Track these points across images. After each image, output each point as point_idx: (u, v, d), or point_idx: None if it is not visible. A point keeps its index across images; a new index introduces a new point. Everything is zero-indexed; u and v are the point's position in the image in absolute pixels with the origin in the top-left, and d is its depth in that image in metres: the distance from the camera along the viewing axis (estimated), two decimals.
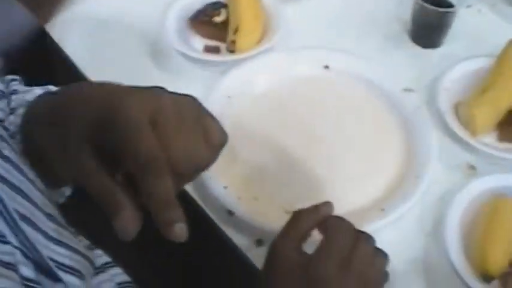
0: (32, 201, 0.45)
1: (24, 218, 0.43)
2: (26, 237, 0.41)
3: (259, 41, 0.94)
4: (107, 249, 0.55)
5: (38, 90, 0.56)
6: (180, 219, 0.38)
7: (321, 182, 0.78)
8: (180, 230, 0.38)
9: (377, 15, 1.00)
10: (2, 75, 0.59)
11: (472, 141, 0.80)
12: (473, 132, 0.80)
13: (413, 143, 0.80)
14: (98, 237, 0.54)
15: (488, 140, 0.82)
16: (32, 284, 0.40)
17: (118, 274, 0.54)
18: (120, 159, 0.41)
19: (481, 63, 0.88)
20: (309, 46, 0.94)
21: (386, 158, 0.80)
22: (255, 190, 0.77)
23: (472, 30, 0.97)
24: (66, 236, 0.48)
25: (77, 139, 0.42)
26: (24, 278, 0.39)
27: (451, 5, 0.92)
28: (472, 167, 0.80)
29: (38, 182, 0.48)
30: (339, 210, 0.62)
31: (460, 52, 0.93)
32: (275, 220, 0.64)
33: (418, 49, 0.95)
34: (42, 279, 0.42)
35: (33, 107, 0.52)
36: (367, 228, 0.63)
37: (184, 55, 0.92)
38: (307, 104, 0.88)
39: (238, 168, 0.79)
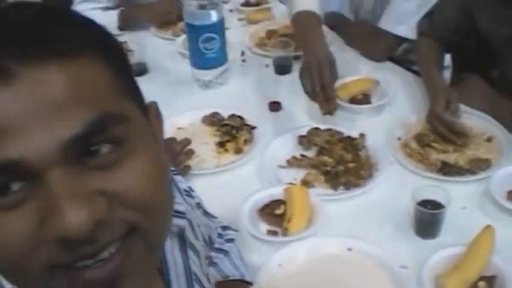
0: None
1: None
2: None
3: (306, 227, 1.35)
4: None
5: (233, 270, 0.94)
6: None
7: None
8: None
9: (393, 211, 1.39)
10: None
11: None
12: None
13: None
14: None
15: None
16: None
17: None
18: None
19: (460, 249, 1.23)
20: (339, 234, 1.34)
21: None
22: None
23: (463, 225, 1.33)
24: None
25: None
26: None
27: (443, 206, 1.30)
28: None
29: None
30: None
31: (450, 241, 1.29)
32: None
33: (418, 239, 1.32)
34: None
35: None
36: None
37: (252, 235, 1.34)
38: (334, 274, 1.25)
39: None
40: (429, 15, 1.85)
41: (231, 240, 0.98)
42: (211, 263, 0.90)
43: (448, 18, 1.76)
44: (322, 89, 1.55)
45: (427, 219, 1.31)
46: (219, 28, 1.90)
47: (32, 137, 0.46)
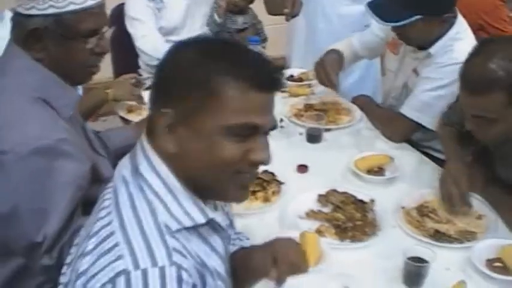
0: None
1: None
2: None
3: (313, 266, 1.62)
4: None
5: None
6: None
7: None
8: None
9: (388, 264, 1.66)
10: None
11: None
12: None
13: None
14: None
15: None
16: None
17: None
18: None
19: None
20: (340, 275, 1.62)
21: None
22: None
23: (444, 281, 1.59)
24: None
25: None
26: None
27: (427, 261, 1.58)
28: None
29: None
30: None
31: None
32: None
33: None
34: None
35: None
36: None
37: None
38: None
39: None
40: (449, 109, 2.15)
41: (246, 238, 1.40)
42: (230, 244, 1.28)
43: (460, 117, 2.05)
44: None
45: (413, 271, 1.58)
46: None
47: (268, 119, 1.10)
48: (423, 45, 2.24)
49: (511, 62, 1.67)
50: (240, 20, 3.09)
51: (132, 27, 2.92)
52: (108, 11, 3.06)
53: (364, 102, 2.55)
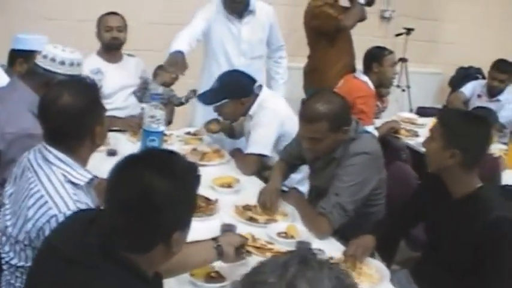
0: None
1: None
2: None
3: None
4: None
5: None
6: None
7: None
8: None
9: None
10: None
11: None
12: None
13: None
14: None
15: None
16: None
17: None
18: None
19: None
20: None
21: None
22: None
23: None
24: None
25: None
26: None
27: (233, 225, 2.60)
28: None
29: None
30: None
31: None
32: None
33: None
34: None
35: None
36: None
37: None
38: None
39: None
40: (284, 149, 3.30)
41: None
42: None
43: (294, 149, 3.17)
44: None
45: (225, 230, 2.61)
46: (160, 135, 3.33)
47: None
48: (236, 119, 3.66)
49: (329, 104, 2.77)
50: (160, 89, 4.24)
51: None
52: None
53: (233, 152, 3.68)
